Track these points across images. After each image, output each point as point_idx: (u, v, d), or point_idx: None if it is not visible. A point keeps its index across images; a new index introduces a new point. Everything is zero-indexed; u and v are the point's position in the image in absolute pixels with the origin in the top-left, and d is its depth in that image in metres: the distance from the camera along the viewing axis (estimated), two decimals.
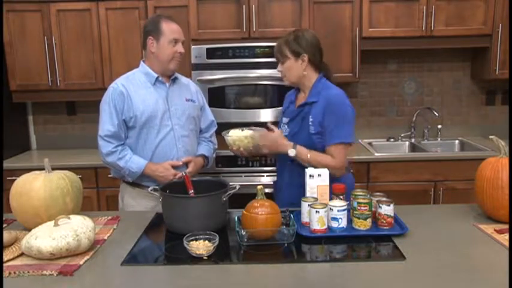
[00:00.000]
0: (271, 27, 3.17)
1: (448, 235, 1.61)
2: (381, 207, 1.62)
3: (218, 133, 2.36)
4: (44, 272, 1.36)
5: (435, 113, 3.52)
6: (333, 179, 1.79)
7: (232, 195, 1.73)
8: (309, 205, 1.62)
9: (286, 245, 1.55)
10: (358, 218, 1.61)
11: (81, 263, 1.43)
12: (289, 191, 1.99)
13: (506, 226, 1.61)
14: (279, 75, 2.06)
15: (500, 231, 1.59)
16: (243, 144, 1.98)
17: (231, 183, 1.78)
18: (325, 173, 1.74)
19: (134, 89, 2.10)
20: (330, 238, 1.58)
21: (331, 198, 1.70)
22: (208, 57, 3.08)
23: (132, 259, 1.48)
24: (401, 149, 3.59)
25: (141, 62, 2.18)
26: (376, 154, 3.14)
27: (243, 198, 1.69)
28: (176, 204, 1.68)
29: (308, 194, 1.74)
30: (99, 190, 3.16)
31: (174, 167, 2.08)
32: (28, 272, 1.37)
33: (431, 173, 3.09)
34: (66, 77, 3.31)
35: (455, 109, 3.68)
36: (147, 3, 3.20)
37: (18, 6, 3.21)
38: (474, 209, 1.84)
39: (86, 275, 1.37)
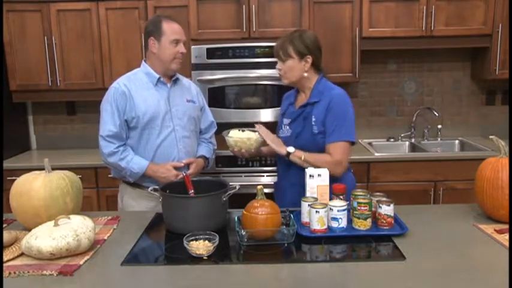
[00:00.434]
0: (271, 27, 3.17)
1: (448, 235, 1.61)
2: (380, 207, 1.62)
3: (218, 133, 2.37)
4: (44, 272, 1.36)
5: (435, 113, 3.52)
6: (333, 179, 1.78)
7: (232, 195, 1.73)
8: (309, 205, 1.62)
9: (286, 245, 1.55)
10: (358, 218, 1.61)
11: (81, 263, 1.43)
12: (293, 191, 1.97)
13: (506, 226, 1.61)
14: (277, 74, 2.05)
15: (500, 231, 1.59)
16: (245, 146, 1.98)
17: (231, 183, 1.77)
18: (325, 173, 1.74)
19: (136, 90, 2.10)
20: (330, 238, 1.58)
21: (331, 198, 1.70)
22: (208, 57, 3.08)
23: (132, 259, 1.47)
24: (401, 149, 3.59)
25: (143, 62, 2.18)
26: (376, 154, 3.14)
27: (243, 198, 1.69)
28: (176, 204, 1.68)
29: (308, 194, 1.74)
30: (99, 190, 3.16)
31: (176, 169, 2.08)
32: (28, 272, 1.37)
33: (431, 173, 3.09)
34: (66, 77, 3.31)
35: (455, 109, 3.69)
36: (147, 3, 3.20)
37: (18, 6, 3.21)
38: (474, 209, 1.84)
39: (86, 275, 1.37)
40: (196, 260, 1.44)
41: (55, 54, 3.25)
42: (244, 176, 3.12)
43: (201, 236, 1.51)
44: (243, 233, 1.54)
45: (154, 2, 3.19)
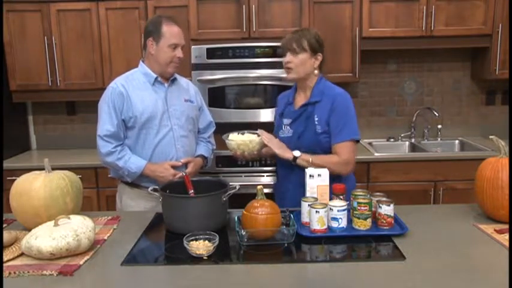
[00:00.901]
0: (271, 27, 3.17)
1: (448, 235, 1.61)
2: (381, 207, 1.62)
3: (217, 133, 2.37)
4: (44, 272, 1.36)
5: (435, 113, 3.52)
6: (333, 179, 1.78)
7: (232, 195, 1.73)
8: (309, 205, 1.62)
9: (286, 245, 1.55)
10: (358, 218, 1.61)
11: (81, 263, 1.43)
12: (295, 194, 1.95)
13: (506, 226, 1.61)
14: (277, 74, 2.04)
15: (500, 231, 1.59)
16: (247, 149, 1.97)
17: (231, 183, 1.77)
18: (325, 173, 1.74)
19: (133, 89, 2.10)
20: (330, 238, 1.58)
21: (331, 198, 1.70)
22: (208, 57, 3.08)
23: (132, 259, 1.47)
24: (401, 149, 3.59)
25: (141, 62, 2.18)
26: (376, 154, 3.14)
27: (243, 198, 1.69)
28: (176, 204, 1.68)
29: (308, 194, 1.74)
30: (99, 190, 3.16)
31: (174, 168, 2.08)
32: (28, 272, 1.37)
33: (431, 173, 3.09)
34: (66, 77, 3.31)
35: (455, 109, 3.69)
36: (147, 3, 3.20)
37: (18, 6, 3.21)
38: (474, 209, 1.84)
39: (86, 275, 1.37)
40: (196, 260, 1.44)
41: (55, 54, 3.26)
42: (244, 176, 3.12)
43: (201, 236, 1.51)
44: (243, 233, 1.54)
45: (154, 2, 3.19)
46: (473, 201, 1.85)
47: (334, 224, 1.60)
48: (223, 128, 2.12)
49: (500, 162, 1.67)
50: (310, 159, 1.91)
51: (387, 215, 1.62)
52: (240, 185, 1.79)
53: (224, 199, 1.69)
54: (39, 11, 3.22)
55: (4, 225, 1.79)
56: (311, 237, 1.58)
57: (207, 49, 3.08)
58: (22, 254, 1.48)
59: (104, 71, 3.29)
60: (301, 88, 2.06)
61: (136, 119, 2.07)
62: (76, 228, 1.46)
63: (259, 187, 1.62)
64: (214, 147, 2.42)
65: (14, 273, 1.36)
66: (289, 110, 2.08)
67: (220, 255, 1.47)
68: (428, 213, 1.86)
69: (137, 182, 2.13)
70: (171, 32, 2.07)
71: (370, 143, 3.49)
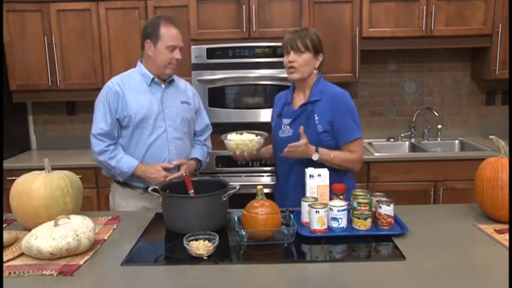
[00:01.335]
0: (271, 27, 3.17)
1: (448, 235, 1.61)
2: (380, 207, 1.62)
3: (217, 133, 2.36)
4: (44, 272, 1.36)
5: (435, 113, 3.52)
6: (333, 179, 1.78)
7: (232, 195, 1.73)
8: (309, 205, 1.62)
9: (286, 245, 1.55)
10: (358, 218, 1.61)
11: (81, 263, 1.43)
12: (295, 195, 1.95)
13: (506, 226, 1.61)
14: (277, 74, 2.04)
15: (500, 231, 1.59)
16: (247, 148, 1.96)
17: (231, 183, 1.78)
18: (325, 173, 1.74)
19: (129, 89, 2.09)
20: (330, 238, 1.58)
21: (331, 198, 1.70)
22: (208, 57, 3.08)
23: (132, 259, 1.47)
24: (401, 149, 3.59)
25: (139, 62, 2.18)
26: (376, 154, 3.14)
27: (243, 198, 1.69)
28: (176, 204, 1.68)
29: (308, 194, 1.73)
30: (99, 190, 3.16)
31: (166, 170, 2.07)
32: (28, 272, 1.37)
33: (431, 173, 3.09)
34: (66, 77, 3.31)
35: (455, 109, 3.69)
36: (147, 3, 3.20)
37: (18, 6, 3.21)
38: (474, 209, 1.84)
39: (86, 275, 1.37)
40: (196, 260, 1.44)
41: (55, 54, 3.25)
42: (244, 176, 3.12)
43: (201, 236, 1.51)
44: (243, 233, 1.54)
45: (154, 2, 3.19)
46: (473, 201, 1.85)
47: (334, 224, 1.60)
48: (223, 128, 2.12)
49: (500, 162, 1.67)
50: (332, 155, 1.92)
51: (387, 215, 1.62)
52: (240, 185, 1.79)
53: (224, 199, 1.69)
54: (39, 11, 3.22)
55: (4, 225, 1.79)
56: (311, 237, 1.58)
57: (207, 49, 3.08)
58: (22, 254, 1.48)
59: (104, 71, 3.28)
60: (300, 88, 2.06)
61: (131, 119, 2.07)
62: (76, 228, 1.46)
63: (259, 187, 1.62)
64: (210, 150, 2.41)
65: (14, 273, 1.36)
66: (288, 110, 2.08)
67: (220, 255, 1.47)
68: (428, 213, 1.86)
69: (128, 181, 2.13)
70: (169, 33, 2.07)
71: (370, 143, 3.49)
